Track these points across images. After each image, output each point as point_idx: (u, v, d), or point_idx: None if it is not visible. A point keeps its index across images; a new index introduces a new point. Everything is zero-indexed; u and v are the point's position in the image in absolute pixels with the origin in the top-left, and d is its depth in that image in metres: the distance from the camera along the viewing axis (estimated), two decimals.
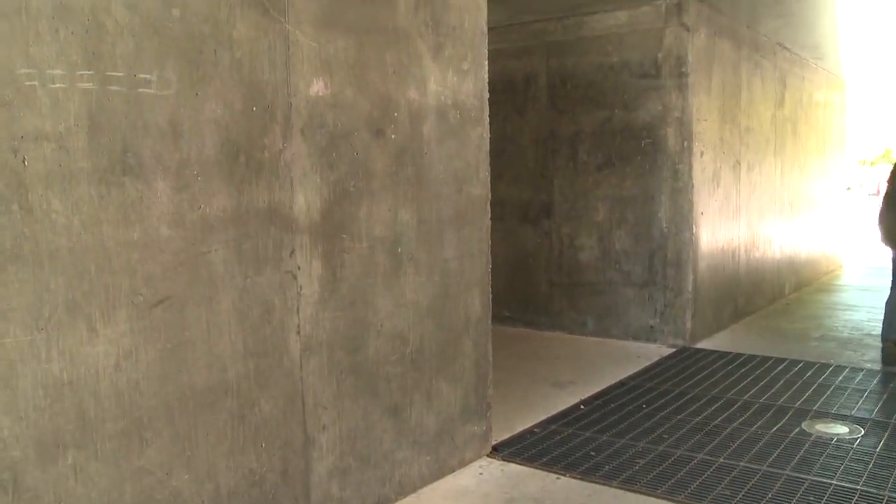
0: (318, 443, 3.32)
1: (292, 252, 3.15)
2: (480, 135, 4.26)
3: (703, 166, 7.15)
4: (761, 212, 8.85)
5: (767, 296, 9.28)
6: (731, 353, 6.84)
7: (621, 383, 5.90)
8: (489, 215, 4.37)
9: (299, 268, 3.19)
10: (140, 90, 2.58)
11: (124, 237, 2.55)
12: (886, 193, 6.40)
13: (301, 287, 3.20)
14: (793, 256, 10.18)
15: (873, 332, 7.69)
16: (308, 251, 3.22)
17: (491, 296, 4.42)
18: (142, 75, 2.58)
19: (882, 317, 6.63)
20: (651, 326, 7.27)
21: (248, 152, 2.95)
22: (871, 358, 6.69)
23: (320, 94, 3.25)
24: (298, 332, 3.19)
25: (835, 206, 12.49)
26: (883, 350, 6.53)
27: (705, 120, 7.18)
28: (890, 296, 6.52)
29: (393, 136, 3.65)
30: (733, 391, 5.66)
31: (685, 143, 6.95)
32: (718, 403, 5.36)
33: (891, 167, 6.58)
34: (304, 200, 3.20)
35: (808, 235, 10.81)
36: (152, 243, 2.63)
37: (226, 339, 2.89)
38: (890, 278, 6.51)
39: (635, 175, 7.23)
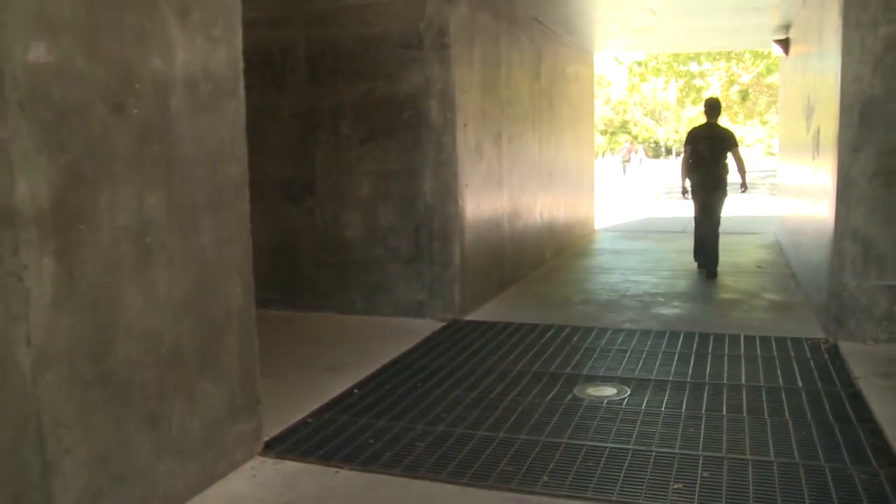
0: (60, 469, 2.86)
1: (16, 249, 2.66)
2: (235, 108, 3.89)
3: (466, 138, 7.14)
4: (522, 182, 9.06)
5: (530, 263, 9.57)
6: (500, 322, 6.94)
7: (394, 362, 5.77)
8: (248, 196, 4.02)
9: (26, 267, 2.70)
10: None
11: None
12: (684, 154, 9.19)
13: (29, 290, 2.72)
14: (552, 223, 10.58)
15: (628, 294, 8.23)
16: (36, 247, 2.74)
17: (253, 281, 4.09)
18: None
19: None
20: (420, 301, 7.20)
21: None
22: (629, 318, 7.07)
23: (42, 61, 2.76)
24: (29, 343, 2.71)
25: (586, 173, 13.16)
26: (698, 269, 9.38)
27: (467, 92, 7.16)
28: (695, 230, 9.34)
29: (136, 111, 3.21)
30: (506, 361, 5.71)
31: (448, 116, 6.90)
32: (493, 375, 5.38)
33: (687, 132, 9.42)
34: (28, 188, 2.71)
35: (564, 203, 11.28)
36: None
37: None
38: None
39: (399, 149, 7.09)
